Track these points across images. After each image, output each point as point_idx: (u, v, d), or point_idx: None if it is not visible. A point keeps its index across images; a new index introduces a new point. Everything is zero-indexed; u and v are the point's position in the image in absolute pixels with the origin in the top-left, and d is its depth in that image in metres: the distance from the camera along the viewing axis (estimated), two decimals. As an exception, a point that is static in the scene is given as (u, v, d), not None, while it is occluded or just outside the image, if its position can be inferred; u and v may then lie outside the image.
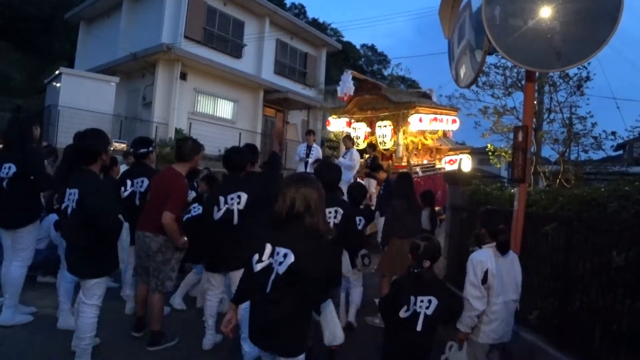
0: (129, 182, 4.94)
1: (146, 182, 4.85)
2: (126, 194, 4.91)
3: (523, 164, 3.88)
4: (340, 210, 4.04)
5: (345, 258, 4.82)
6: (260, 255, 2.54)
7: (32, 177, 4.37)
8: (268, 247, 2.54)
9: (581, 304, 3.74)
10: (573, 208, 4.17)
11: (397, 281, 3.38)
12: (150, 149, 5.15)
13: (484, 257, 3.39)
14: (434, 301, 3.06)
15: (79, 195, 3.48)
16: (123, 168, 6.71)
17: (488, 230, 3.50)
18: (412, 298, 3.07)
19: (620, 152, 22.10)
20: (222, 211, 4.21)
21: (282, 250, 2.47)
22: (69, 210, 3.53)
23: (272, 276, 2.46)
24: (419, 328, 3.02)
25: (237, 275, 4.36)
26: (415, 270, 3.20)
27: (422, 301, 3.05)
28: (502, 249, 3.43)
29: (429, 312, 3.04)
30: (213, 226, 4.27)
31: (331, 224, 3.95)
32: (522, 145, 3.89)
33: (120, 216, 3.73)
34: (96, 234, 3.52)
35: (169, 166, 4.59)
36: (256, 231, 3.84)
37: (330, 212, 4.00)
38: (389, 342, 3.27)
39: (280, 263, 2.44)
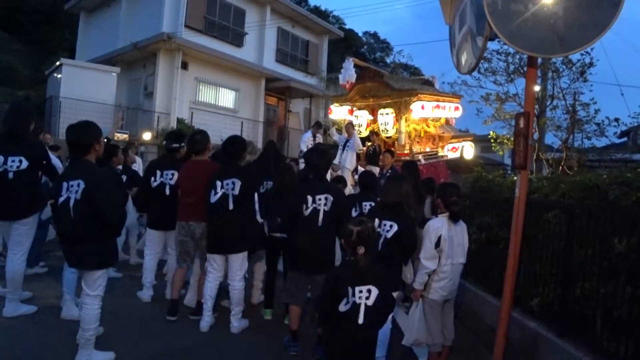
0: (158, 173, 5.18)
1: (176, 174, 5.12)
2: (155, 184, 5.17)
3: (524, 150, 3.83)
4: (331, 197, 4.11)
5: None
6: None
7: (44, 163, 4.53)
8: (377, 221, 3.88)
9: (582, 291, 3.73)
10: (575, 195, 4.15)
11: (331, 273, 3.08)
12: (182, 144, 5.43)
13: (439, 224, 3.95)
14: (374, 290, 2.86)
15: (84, 185, 3.43)
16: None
17: (443, 201, 4.05)
18: (350, 289, 2.84)
19: (625, 139, 21.97)
20: (218, 195, 4.49)
21: (388, 223, 3.90)
22: (71, 202, 3.44)
23: (382, 240, 3.87)
24: (360, 321, 2.82)
25: (235, 259, 4.55)
26: (351, 259, 2.97)
27: (361, 291, 2.84)
28: (454, 218, 3.98)
29: (370, 302, 2.84)
30: (210, 210, 4.55)
31: (321, 211, 4.05)
32: (523, 131, 3.84)
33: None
34: (102, 224, 3.50)
35: (195, 160, 4.97)
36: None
37: (320, 199, 4.08)
38: (330, 339, 3.02)
39: (388, 231, 3.88)
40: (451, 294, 4.10)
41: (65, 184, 3.50)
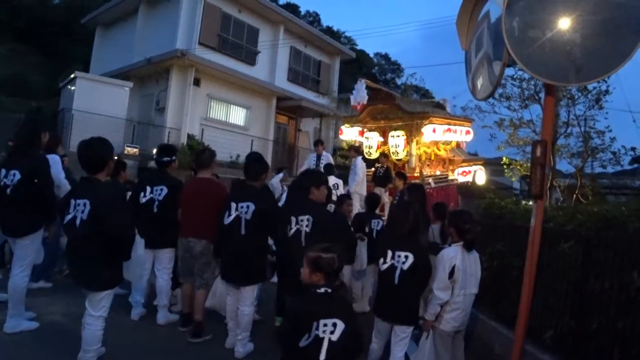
0: (148, 189, 5.02)
1: (165, 190, 4.97)
2: (144, 200, 4.99)
3: (541, 179, 3.75)
4: (311, 219, 4.10)
5: (362, 254, 5.82)
6: (385, 259, 3.78)
7: (36, 181, 4.33)
8: (389, 252, 3.77)
9: (599, 325, 3.62)
10: (591, 226, 4.05)
11: (296, 306, 2.73)
12: (174, 157, 5.29)
13: (453, 254, 3.84)
14: (340, 325, 2.53)
15: (90, 206, 3.40)
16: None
17: (456, 230, 3.94)
18: (315, 323, 2.51)
19: (636, 165, 21.77)
20: (232, 217, 4.37)
21: (402, 254, 3.71)
22: (77, 221, 3.41)
23: (398, 272, 3.69)
24: (322, 357, 2.48)
25: (247, 290, 4.43)
26: (326, 290, 2.62)
27: (325, 325, 2.51)
28: (468, 247, 3.88)
29: (334, 337, 2.50)
30: (223, 232, 4.45)
31: (303, 232, 4.05)
32: (540, 160, 3.76)
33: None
34: (108, 245, 3.45)
35: (198, 177, 4.97)
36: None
37: (302, 220, 4.09)
38: None
39: (404, 262, 3.69)
40: (462, 325, 3.99)
41: (73, 202, 3.48)
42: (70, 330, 4.29)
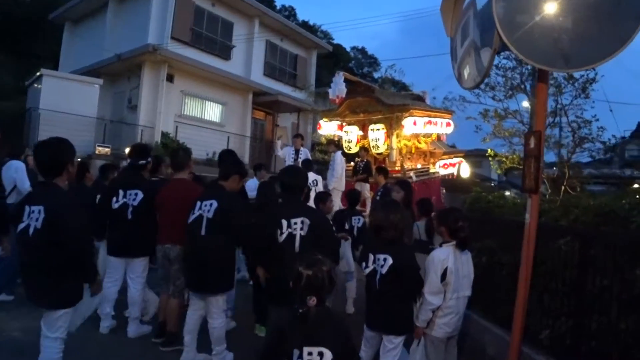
0: (121, 193, 4.67)
1: (140, 195, 4.65)
2: (117, 205, 4.65)
3: (536, 172, 3.55)
4: (307, 221, 3.65)
5: (348, 254, 5.88)
6: (367, 263, 3.54)
7: None
8: (371, 256, 3.53)
9: (599, 325, 3.44)
10: (588, 220, 3.86)
11: (279, 327, 2.48)
12: (149, 159, 5.00)
13: (444, 255, 3.56)
14: (327, 354, 2.24)
15: (45, 214, 3.04)
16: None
17: (448, 229, 3.66)
18: (297, 351, 2.23)
19: (609, 154, 22.17)
20: (194, 216, 4.08)
21: (381, 256, 3.46)
22: (31, 230, 3.05)
23: (377, 277, 3.46)
24: None
25: (214, 301, 4.08)
26: (300, 310, 2.29)
27: (310, 354, 2.24)
28: (462, 246, 3.63)
29: None
30: (186, 233, 4.16)
31: (297, 236, 3.61)
32: (534, 152, 3.56)
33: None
34: (65, 257, 3.08)
35: (174, 178, 4.73)
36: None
37: (296, 223, 3.64)
38: None
39: (382, 266, 3.43)
40: (456, 330, 3.73)
41: (27, 209, 3.11)
42: (33, 348, 3.86)
